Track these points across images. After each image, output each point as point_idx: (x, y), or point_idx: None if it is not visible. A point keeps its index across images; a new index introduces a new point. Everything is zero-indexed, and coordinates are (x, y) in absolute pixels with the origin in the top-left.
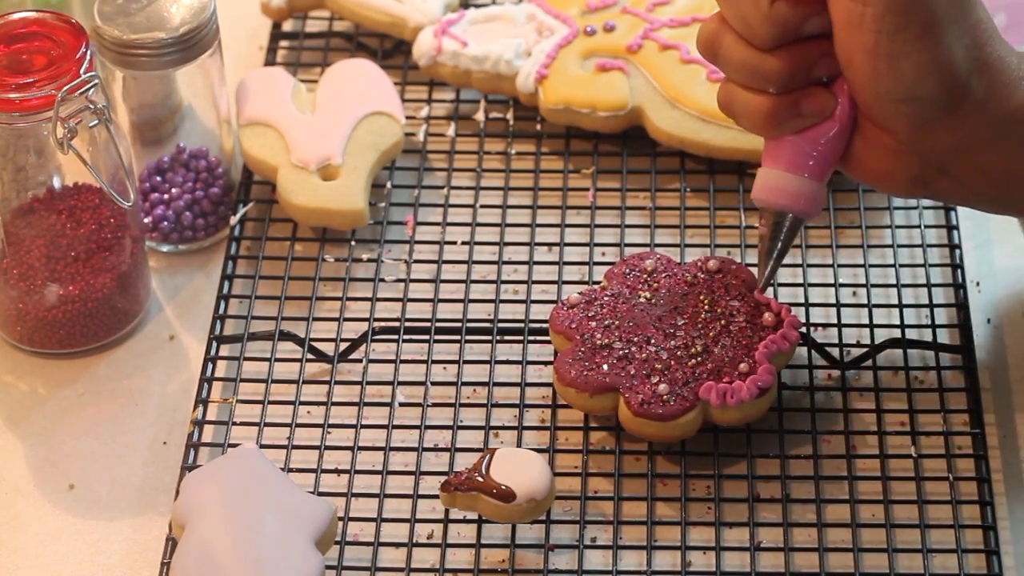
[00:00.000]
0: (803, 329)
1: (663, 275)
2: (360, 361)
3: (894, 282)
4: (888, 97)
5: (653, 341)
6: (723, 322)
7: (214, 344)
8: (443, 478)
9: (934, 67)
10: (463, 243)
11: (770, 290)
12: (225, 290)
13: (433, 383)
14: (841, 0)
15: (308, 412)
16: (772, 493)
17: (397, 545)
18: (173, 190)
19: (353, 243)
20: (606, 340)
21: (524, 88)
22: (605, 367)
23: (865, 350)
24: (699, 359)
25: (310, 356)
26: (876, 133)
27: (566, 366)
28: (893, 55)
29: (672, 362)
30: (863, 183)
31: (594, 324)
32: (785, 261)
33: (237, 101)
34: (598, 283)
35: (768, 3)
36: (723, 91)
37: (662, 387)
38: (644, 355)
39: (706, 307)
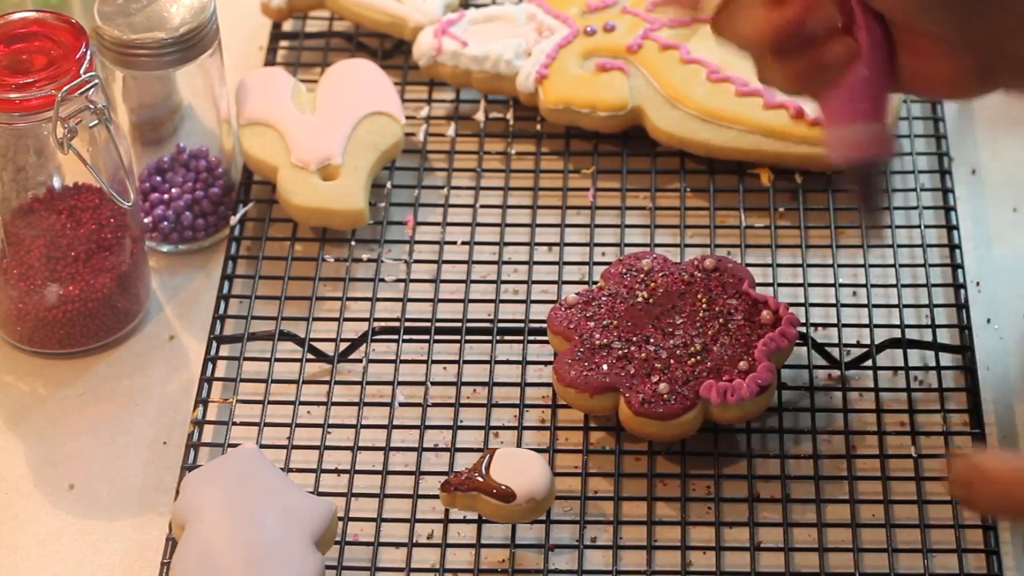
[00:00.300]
0: (801, 328)
1: (660, 274)
2: (360, 361)
3: (894, 282)
4: (923, 8)
5: (652, 340)
6: (721, 320)
7: (214, 344)
8: (443, 478)
9: None
10: (463, 243)
11: (800, 310)
12: (225, 290)
13: (433, 383)
14: None
15: (308, 412)
16: (772, 493)
17: (397, 545)
18: (173, 190)
19: (353, 243)
20: (605, 340)
21: (524, 88)
22: (604, 367)
23: (865, 350)
24: (698, 358)
25: (310, 356)
26: (926, 44)
27: (565, 367)
28: None
29: (671, 361)
30: (932, 97)
31: (592, 324)
32: (785, 261)
33: (237, 101)
34: (597, 283)
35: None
36: (757, 69)
37: (662, 386)
38: (643, 354)
39: (704, 305)
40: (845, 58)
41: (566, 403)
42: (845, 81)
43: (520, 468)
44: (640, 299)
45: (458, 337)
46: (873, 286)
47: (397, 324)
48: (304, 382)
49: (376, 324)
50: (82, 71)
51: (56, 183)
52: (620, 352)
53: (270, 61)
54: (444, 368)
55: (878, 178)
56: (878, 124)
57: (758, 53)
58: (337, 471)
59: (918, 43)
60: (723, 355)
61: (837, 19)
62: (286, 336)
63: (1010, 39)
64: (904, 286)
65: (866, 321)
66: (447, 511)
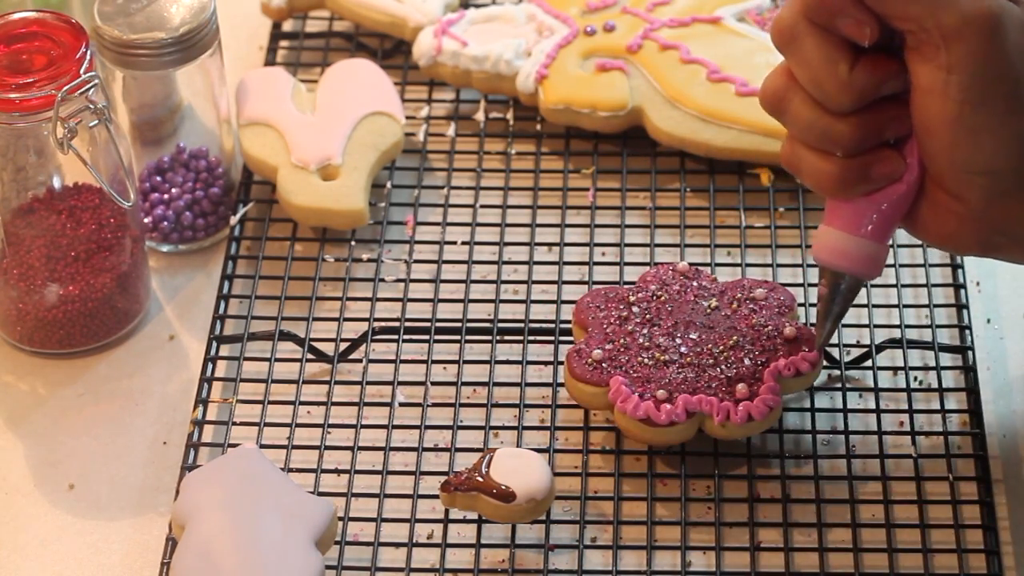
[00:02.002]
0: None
1: (699, 289)
2: (360, 361)
3: (894, 282)
4: (965, 168)
5: (664, 346)
6: (736, 339)
7: (214, 344)
8: (443, 478)
9: (1015, 140)
10: (463, 243)
11: (800, 310)
12: (225, 290)
13: (433, 383)
14: (925, 66)
15: (308, 412)
16: (772, 493)
17: (397, 545)
18: (173, 190)
19: (353, 243)
20: (621, 339)
21: (524, 88)
22: (605, 364)
23: (865, 350)
24: (705, 371)
25: (310, 356)
26: (945, 199)
27: (574, 356)
28: (975, 127)
29: (675, 369)
30: (927, 243)
31: (612, 321)
32: (785, 261)
33: (237, 101)
34: (598, 283)
35: (847, 70)
36: (788, 149)
37: (660, 393)
38: (650, 359)
39: (728, 323)
40: (893, 176)
41: (569, 399)
42: (874, 194)
43: (520, 468)
44: (667, 306)
45: (458, 337)
46: (873, 286)
47: (397, 324)
48: (304, 382)
49: (376, 324)
50: (82, 71)
51: (56, 183)
52: (628, 353)
53: (270, 61)
54: (444, 368)
55: (851, 296)
56: (880, 246)
57: (801, 139)
58: (337, 471)
59: (939, 195)
60: (731, 373)
61: (903, 170)
62: (286, 336)
63: (1023, 226)
64: (904, 286)
65: (866, 321)
66: (447, 511)
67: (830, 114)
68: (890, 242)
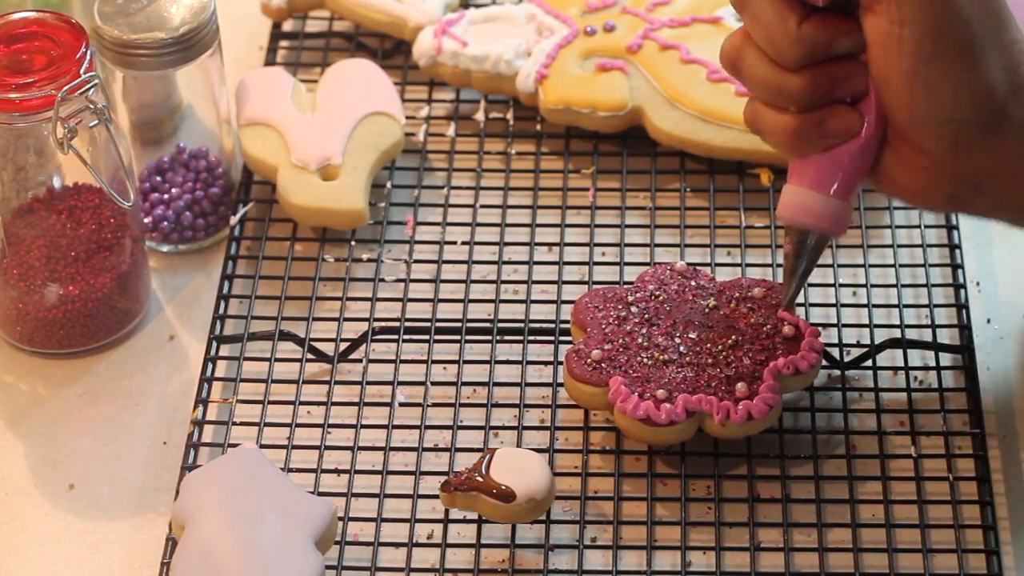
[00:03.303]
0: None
1: (698, 288)
2: (360, 361)
3: (894, 282)
4: (926, 120)
5: (663, 346)
6: (736, 338)
7: (214, 344)
8: (443, 478)
9: (973, 90)
10: (463, 243)
11: (800, 310)
12: (225, 290)
13: (433, 383)
14: (877, 22)
15: (308, 412)
16: (772, 493)
17: (397, 545)
18: (173, 190)
19: (353, 243)
20: (620, 339)
21: (524, 88)
22: (604, 364)
23: (865, 350)
24: (704, 370)
25: (310, 356)
26: (910, 152)
27: (573, 355)
28: (931, 79)
29: (675, 368)
30: (894, 198)
31: (611, 321)
32: None
33: (237, 101)
34: (598, 283)
35: (796, 24)
36: (749, 108)
37: (660, 393)
38: (649, 359)
39: (727, 322)
40: (849, 131)
41: (569, 399)
42: (834, 150)
43: (520, 468)
44: (665, 306)
45: (458, 337)
46: (873, 286)
47: (397, 324)
48: (304, 382)
49: (376, 324)
50: (82, 71)
51: (56, 183)
52: (627, 353)
53: (270, 61)
54: (444, 368)
55: (817, 253)
56: (843, 202)
57: (759, 97)
58: (337, 471)
59: (904, 149)
60: (731, 372)
61: (866, 88)
62: (286, 336)
63: (989, 176)
64: (904, 286)
65: (866, 321)
66: (447, 511)
67: (783, 70)
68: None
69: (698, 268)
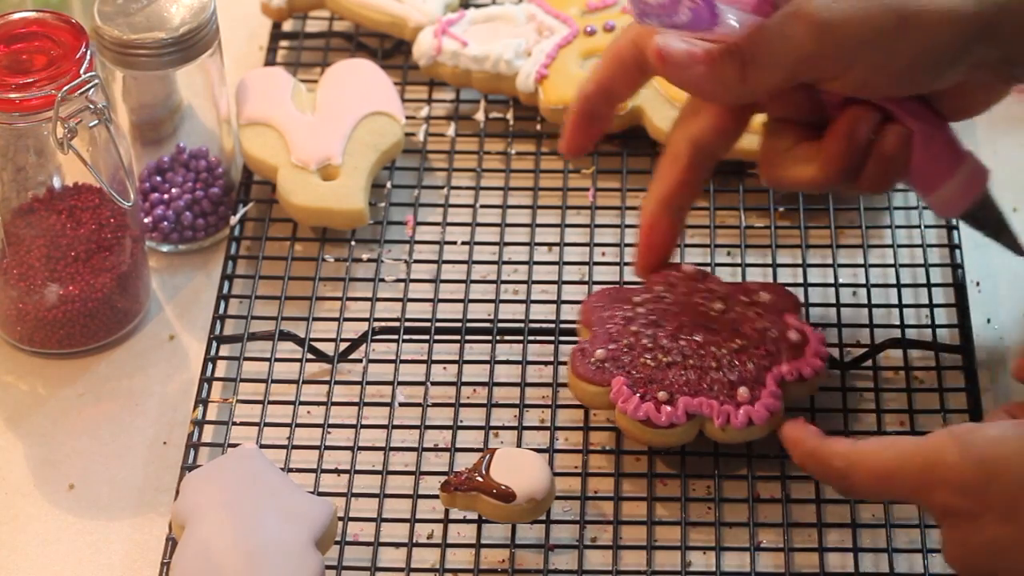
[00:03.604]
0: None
1: (707, 290)
2: (360, 361)
3: (894, 282)
4: (901, 81)
5: (668, 348)
6: (741, 342)
7: (214, 344)
8: (443, 478)
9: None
10: (463, 243)
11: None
12: (225, 290)
13: (433, 383)
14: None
15: (308, 412)
16: (772, 493)
17: (397, 545)
18: (173, 190)
19: (353, 243)
20: (624, 339)
21: (524, 88)
22: (607, 364)
23: (865, 350)
24: (707, 373)
25: (310, 356)
26: (962, 85)
27: (577, 355)
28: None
29: (681, 371)
30: (978, 113)
31: (616, 321)
32: (785, 261)
33: (237, 101)
34: (598, 283)
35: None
36: (839, 191)
37: (661, 394)
38: (653, 360)
39: (733, 326)
40: (903, 144)
41: (572, 399)
42: (915, 156)
43: (520, 468)
44: (672, 308)
45: (458, 337)
46: (873, 286)
47: (397, 324)
48: (304, 382)
49: (376, 324)
50: (82, 71)
51: (56, 183)
52: (631, 354)
53: (270, 61)
54: (444, 368)
55: (992, 207)
56: (965, 165)
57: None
58: (337, 471)
59: (961, 85)
60: (734, 376)
61: (877, 117)
62: (286, 336)
63: (1019, 44)
64: (904, 286)
65: (866, 321)
66: (447, 511)
67: (816, 172)
68: (857, 257)
69: (706, 271)
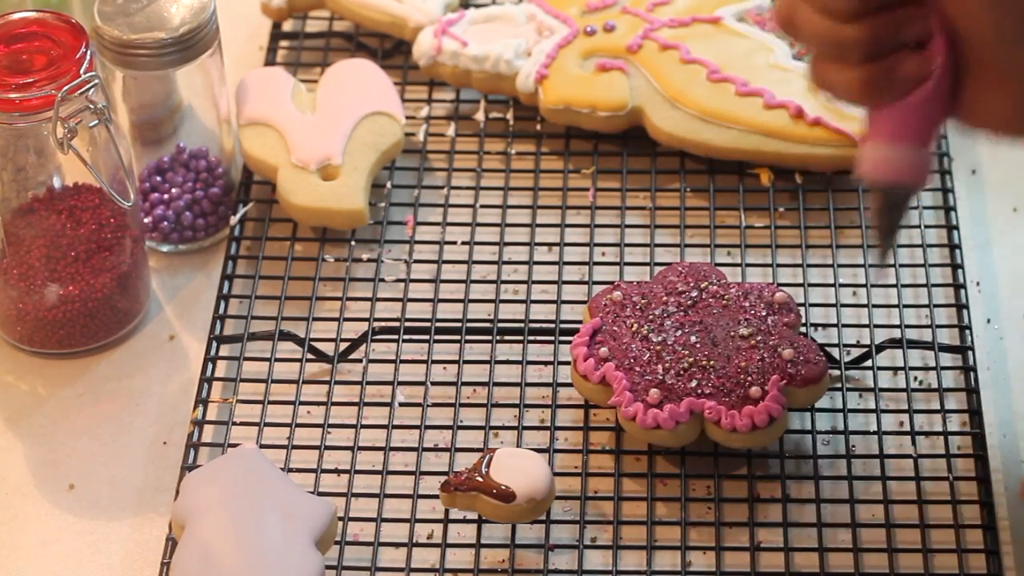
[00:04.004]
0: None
1: (710, 291)
2: (360, 361)
3: (894, 282)
4: (1016, 40)
5: (672, 348)
6: (747, 345)
7: (214, 344)
8: (443, 478)
9: None
10: (463, 243)
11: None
12: (225, 290)
13: (433, 383)
14: None
15: (308, 412)
16: (772, 493)
17: (397, 545)
18: (173, 190)
19: (353, 243)
20: (629, 337)
21: (524, 88)
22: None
23: (865, 350)
24: (711, 375)
25: (310, 356)
26: (997, 80)
27: (582, 352)
28: None
29: (684, 372)
30: (981, 129)
31: (624, 319)
32: (785, 261)
33: (237, 101)
34: (598, 283)
35: None
36: (813, 68)
37: (663, 394)
38: (657, 360)
39: (740, 328)
40: (918, 76)
41: (574, 398)
42: (907, 100)
43: (520, 468)
44: (677, 310)
45: (458, 337)
46: (873, 286)
47: (397, 324)
48: (304, 382)
49: (376, 324)
50: (82, 71)
51: (56, 183)
52: (634, 352)
53: (270, 61)
54: (444, 368)
55: (904, 205)
56: (923, 150)
57: (820, 53)
58: (337, 471)
59: (989, 75)
60: (739, 379)
61: (927, 32)
62: (286, 336)
63: None
64: (904, 286)
65: (866, 321)
66: (447, 511)
67: (840, 21)
68: (857, 258)
69: (716, 271)
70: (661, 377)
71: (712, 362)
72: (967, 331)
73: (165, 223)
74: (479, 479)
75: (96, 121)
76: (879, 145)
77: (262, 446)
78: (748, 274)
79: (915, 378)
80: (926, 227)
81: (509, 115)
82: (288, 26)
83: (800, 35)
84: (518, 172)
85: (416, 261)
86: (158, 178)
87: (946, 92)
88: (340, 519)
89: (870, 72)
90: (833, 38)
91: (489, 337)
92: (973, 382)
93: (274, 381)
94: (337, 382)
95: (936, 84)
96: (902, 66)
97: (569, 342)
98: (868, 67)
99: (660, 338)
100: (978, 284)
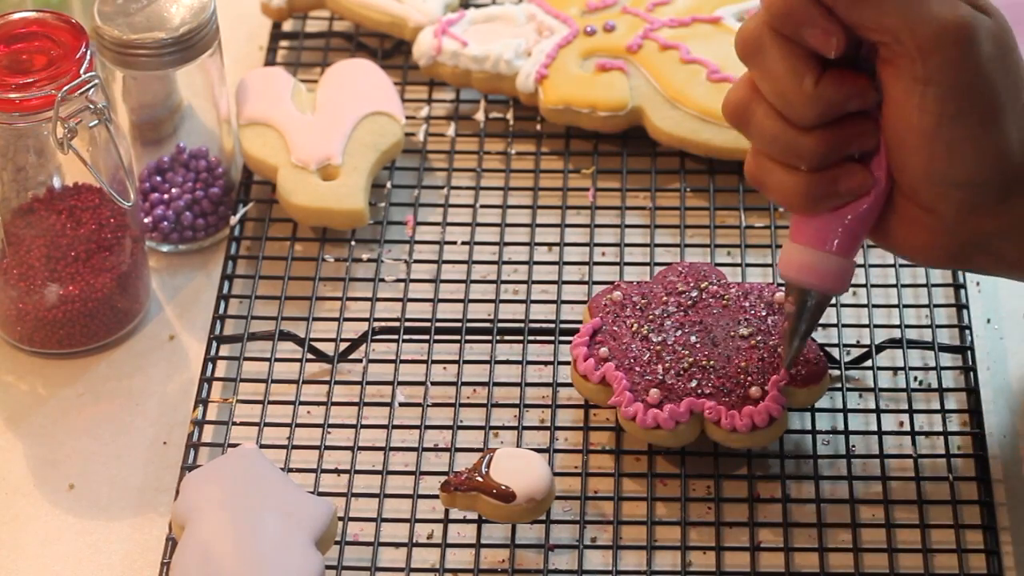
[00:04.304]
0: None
1: (710, 291)
2: (360, 361)
3: (894, 282)
4: (941, 181)
5: (672, 347)
6: (747, 345)
7: (214, 344)
8: (443, 478)
9: (993, 153)
10: (463, 243)
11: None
12: (225, 290)
13: (433, 383)
14: (898, 78)
15: (308, 412)
16: (772, 493)
17: (397, 545)
18: (173, 190)
19: (353, 243)
20: (629, 337)
21: (524, 88)
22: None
23: (865, 350)
24: (711, 375)
25: (310, 356)
26: (917, 212)
27: (583, 352)
28: (952, 139)
29: (685, 372)
30: (898, 255)
31: (624, 319)
32: None
33: (237, 101)
34: (598, 283)
35: (812, 82)
36: (753, 163)
37: (664, 394)
38: (657, 360)
39: (740, 328)
40: (861, 190)
41: (575, 399)
42: (840, 208)
43: (520, 468)
44: (677, 310)
45: (458, 337)
46: (873, 286)
47: (397, 324)
48: (304, 382)
49: (376, 324)
50: (82, 71)
51: (56, 183)
52: (634, 352)
53: (270, 61)
54: (444, 368)
55: (817, 313)
56: (847, 261)
57: (765, 152)
58: (337, 471)
59: (909, 208)
60: (739, 379)
61: (871, 184)
62: (286, 336)
63: (996, 237)
64: (904, 286)
65: (866, 321)
66: (447, 511)
67: (795, 128)
68: (857, 257)
69: (716, 270)
70: (661, 377)
71: (712, 362)
72: (967, 331)
73: (165, 223)
74: (479, 479)
75: (96, 121)
76: (802, 248)
77: (262, 446)
78: (748, 274)
79: (915, 378)
80: None
81: (509, 115)
82: (288, 26)
83: (751, 131)
84: (518, 172)
85: (416, 261)
86: (158, 178)
87: (879, 209)
88: (340, 519)
89: (813, 181)
90: (786, 143)
91: (489, 337)
92: (973, 382)
93: (274, 381)
94: (337, 382)
95: (873, 200)
96: (846, 179)
97: (569, 342)
98: (813, 176)
99: (660, 338)
100: (978, 284)
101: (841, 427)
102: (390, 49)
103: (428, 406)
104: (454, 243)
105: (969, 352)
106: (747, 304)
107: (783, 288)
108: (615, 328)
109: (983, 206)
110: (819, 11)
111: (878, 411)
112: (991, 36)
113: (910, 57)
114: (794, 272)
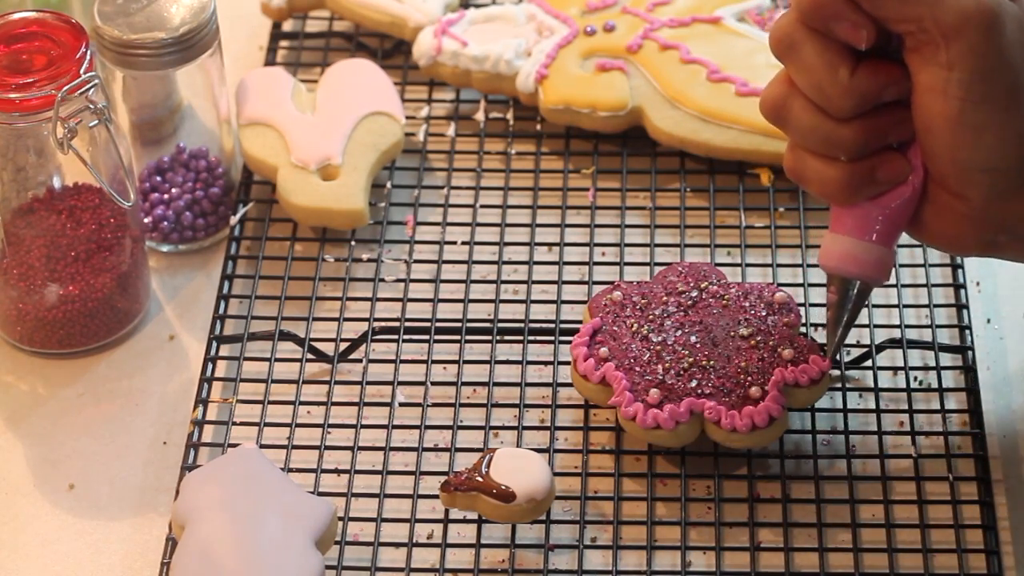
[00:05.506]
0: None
1: (710, 291)
2: (360, 361)
3: (894, 282)
4: (968, 166)
5: (673, 348)
6: (747, 345)
7: (214, 344)
8: (443, 478)
9: (1017, 138)
10: (463, 243)
11: (801, 310)
12: (225, 290)
13: (433, 383)
14: (925, 66)
15: (308, 412)
16: (772, 493)
17: (397, 545)
18: (173, 190)
19: (353, 243)
20: (629, 337)
21: (524, 88)
22: (612, 362)
23: (865, 350)
24: (711, 375)
25: (310, 356)
26: (947, 199)
27: (583, 352)
28: (977, 124)
29: (684, 372)
30: (928, 245)
31: (624, 319)
32: (785, 261)
33: (237, 101)
34: (598, 283)
35: (848, 74)
36: (792, 157)
37: (663, 395)
38: (657, 360)
39: (740, 328)
40: (899, 178)
41: (575, 398)
42: (879, 197)
43: (520, 468)
44: (677, 310)
45: (458, 337)
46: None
47: (397, 324)
48: (304, 382)
49: (376, 324)
50: (82, 71)
51: (56, 183)
52: (634, 352)
53: (270, 61)
54: (444, 368)
55: (860, 301)
56: (887, 250)
57: (803, 145)
58: (337, 471)
59: (940, 196)
60: (739, 379)
61: (908, 172)
62: (286, 336)
63: None
64: (904, 286)
65: (866, 321)
66: (447, 511)
67: (832, 119)
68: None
69: (716, 271)
70: (661, 377)
71: (712, 362)
72: (967, 331)
73: (165, 223)
74: (479, 479)
75: (96, 121)
76: (843, 238)
77: (262, 446)
78: (748, 274)
79: (915, 378)
80: None
81: (509, 115)
82: (288, 26)
83: (789, 126)
84: (518, 172)
85: (416, 261)
86: (158, 178)
87: (917, 197)
88: (340, 519)
89: (852, 171)
90: (825, 135)
91: (489, 337)
92: (973, 382)
93: (274, 381)
94: (337, 382)
95: (911, 188)
96: (884, 167)
97: (569, 342)
98: (852, 166)
99: (660, 338)
100: (978, 284)
101: (841, 427)
102: (390, 49)
103: (428, 406)
104: (454, 243)
105: (969, 352)
106: (747, 304)
107: (783, 289)
108: (615, 328)
109: (1010, 190)
110: (847, 5)
111: (878, 411)
112: (1015, 21)
113: (934, 44)
114: (836, 262)
